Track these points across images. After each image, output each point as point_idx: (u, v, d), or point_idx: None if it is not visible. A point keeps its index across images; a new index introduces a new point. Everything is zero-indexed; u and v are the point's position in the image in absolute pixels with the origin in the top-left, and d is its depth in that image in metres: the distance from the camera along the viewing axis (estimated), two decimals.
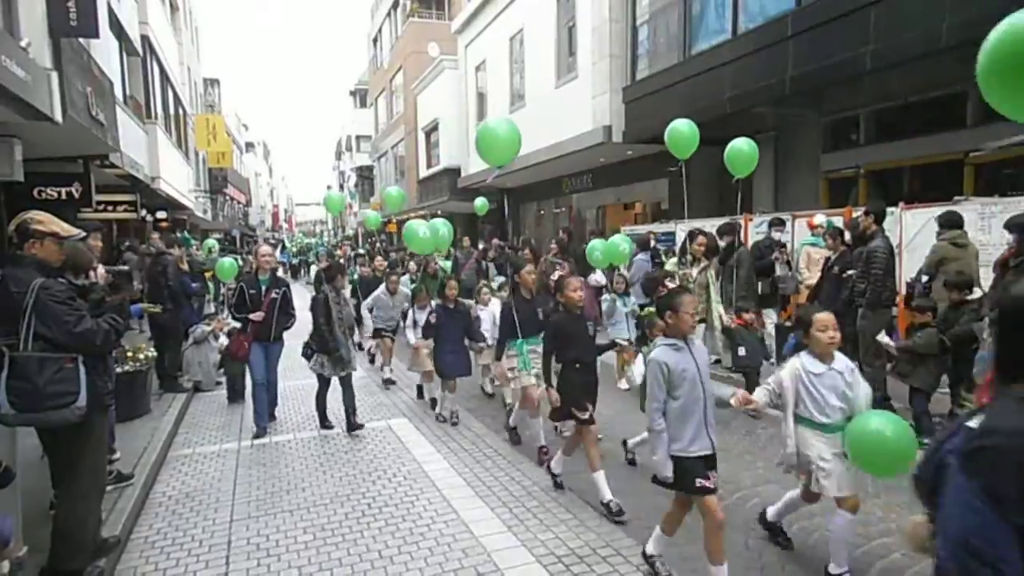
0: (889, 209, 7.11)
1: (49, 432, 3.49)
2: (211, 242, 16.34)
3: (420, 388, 7.68)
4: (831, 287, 7.09)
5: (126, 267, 6.49)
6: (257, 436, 6.29)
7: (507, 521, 4.29)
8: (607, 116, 13.44)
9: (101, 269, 3.75)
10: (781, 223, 8.97)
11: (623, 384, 7.44)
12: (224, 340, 8.59)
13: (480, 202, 13.55)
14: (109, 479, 4.38)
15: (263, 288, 6.34)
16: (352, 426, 6.34)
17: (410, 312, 7.64)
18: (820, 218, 8.58)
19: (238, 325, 6.56)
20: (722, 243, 8.06)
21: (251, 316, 6.24)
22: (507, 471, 5.21)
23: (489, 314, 7.25)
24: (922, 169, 9.64)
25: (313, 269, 10.33)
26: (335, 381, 6.43)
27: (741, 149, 7.86)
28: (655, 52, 12.60)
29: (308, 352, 6.39)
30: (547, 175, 18.45)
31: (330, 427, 6.53)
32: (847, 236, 7.38)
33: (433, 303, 7.13)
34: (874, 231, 6.40)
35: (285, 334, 6.73)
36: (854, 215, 8.11)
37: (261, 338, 6.32)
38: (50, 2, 6.99)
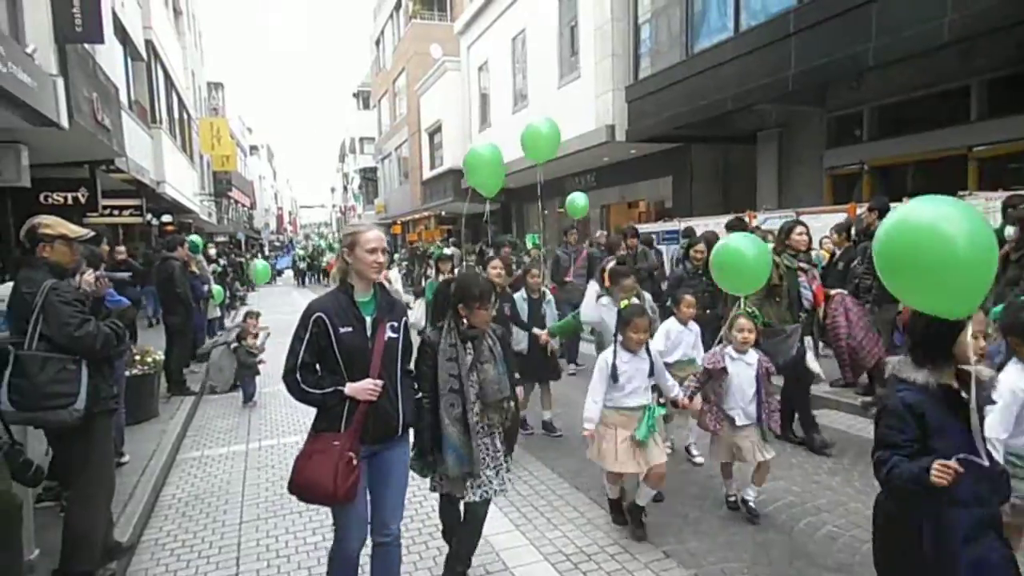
0: (892, 204, 7.11)
1: (55, 434, 3.53)
2: (195, 239, 16.29)
3: (618, 504, 4.25)
4: (835, 283, 7.09)
5: (128, 274, 6.17)
6: None
7: (515, 520, 4.31)
8: (610, 115, 13.44)
9: (88, 275, 3.66)
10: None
11: None
12: (258, 339, 8.36)
13: (581, 200, 10.63)
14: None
15: (367, 320, 2.85)
16: None
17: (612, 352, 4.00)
18: None
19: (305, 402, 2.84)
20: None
21: (352, 391, 2.76)
22: (514, 470, 5.21)
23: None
24: (926, 164, 9.62)
25: (395, 273, 7.32)
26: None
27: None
28: (657, 51, 12.60)
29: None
30: (551, 174, 18.46)
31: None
32: (852, 232, 7.38)
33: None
34: (878, 227, 6.40)
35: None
36: (858, 211, 8.11)
37: (372, 437, 2.84)
38: (55, 8, 7.03)
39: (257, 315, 8.98)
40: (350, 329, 2.78)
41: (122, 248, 10.76)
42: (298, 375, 2.76)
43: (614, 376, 3.87)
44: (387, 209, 36.19)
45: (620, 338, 3.98)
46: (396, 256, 25.91)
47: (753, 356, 4.24)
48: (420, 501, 4.66)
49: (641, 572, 3.60)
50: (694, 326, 5.17)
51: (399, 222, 35.12)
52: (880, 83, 9.45)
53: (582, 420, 3.95)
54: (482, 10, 20.04)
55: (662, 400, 4.26)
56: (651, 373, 3.96)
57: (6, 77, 5.24)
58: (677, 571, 3.61)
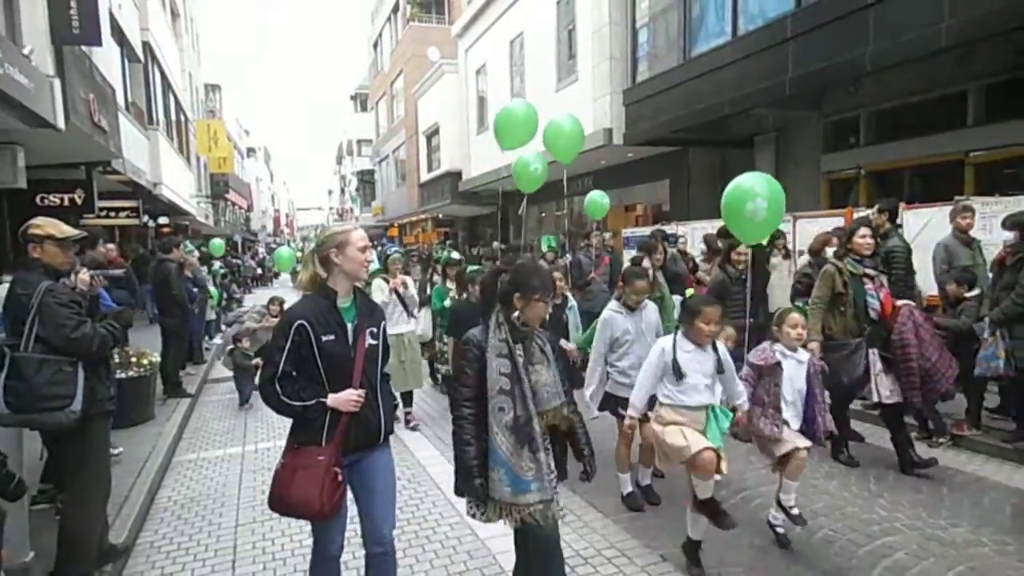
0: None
1: (52, 437, 3.52)
2: (218, 243, 16.62)
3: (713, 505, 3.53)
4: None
5: (121, 272, 6.10)
6: None
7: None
8: (608, 119, 13.46)
9: (83, 274, 3.70)
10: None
11: None
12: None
13: (601, 197, 9.94)
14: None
15: (349, 327, 2.76)
16: None
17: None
18: None
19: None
20: (722, 244, 7.97)
21: (335, 402, 2.68)
22: None
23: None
24: (923, 169, 9.65)
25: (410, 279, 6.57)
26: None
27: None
28: (655, 54, 12.62)
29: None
30: (548, 177, 18.48)
31: None
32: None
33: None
34: (888, 229, 6.37)
35: None
36: (855, 215, 8.12)
37: (354, 446, 2.75)
38: (52, 10, 7.03)
39: (281, 302, 8.67)
40: (332, 337, 2.69)
41: (111, 246, 10.74)
42: (277, 386, 2.65)
43: (677, 372, 3.49)
44: (384, 211, 36.20)
45: (682, 328, 3.60)
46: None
47: (804, 354, 3.95)
48: (416, 505, 4.65)
49: (638, 575, 3.60)
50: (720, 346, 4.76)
51: (396, 224, 35.13)
52: (877, 88, 9.47)
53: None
54: (480, 13, 20.07)
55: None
56: (720, 370, 3.55)
57: (2, 78, 5.24)
58: (674, 574, 3.61)
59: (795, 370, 3.88)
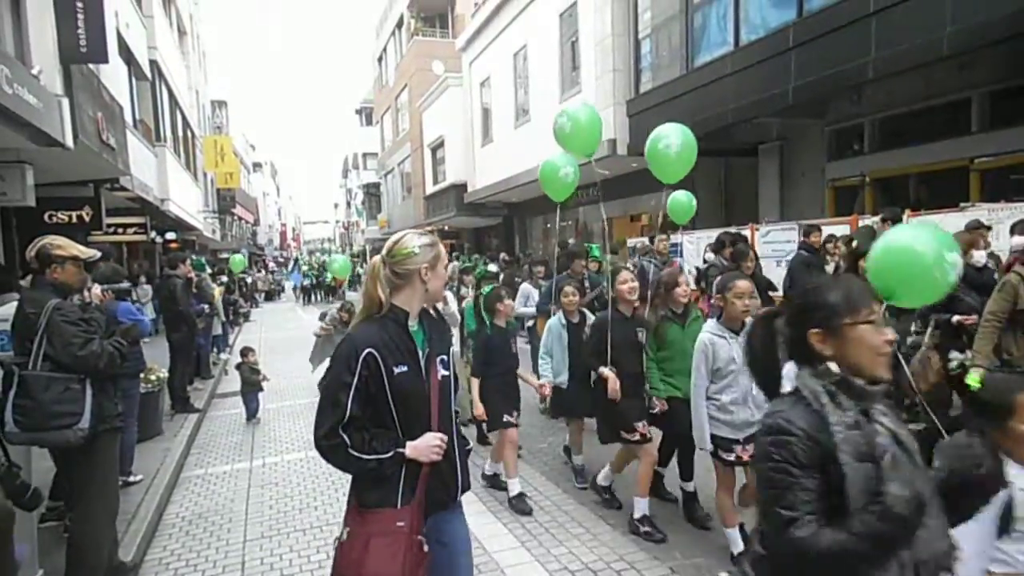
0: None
1: (61, 454, 3.53)
2: (239, 259, 17.03)
3: None
4: None
5: (126, 285, 6.09)
6: None
7: (520, 536, 4.28)
8: (611, 129, 13.48)
9: (96, 289, 3.82)
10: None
11: None
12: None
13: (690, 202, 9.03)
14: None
15: (420, 354, 2.23)
16: None
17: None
18: None
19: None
20: (726, 254, 7.94)
21: (415, 452, 2.15)
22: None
23: None
24: (928, 176, 9.63)
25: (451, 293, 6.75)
26: None
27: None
28: (658, 65, 12.67)
29: None
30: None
31: None
32: (855, 243, 7.38)
33: None
34: None
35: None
36: (860, 223, 8.11)
37: (435, 502, 2.24)
38: (61, 30, 7.11)
39: (350, 309, 8.25)
40: (405, 368, 2.14)
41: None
42: (344, 435, 2.08)
43: (1006, 523, 2.02)
44: (390, 224, 36.28)
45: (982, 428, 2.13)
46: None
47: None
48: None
49: None
50: None
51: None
52: (880, 95, 9.48)
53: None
54: (483, 27, 20.20)
55: None
56: None
57: (12, 98, 5.29)
58: None
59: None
